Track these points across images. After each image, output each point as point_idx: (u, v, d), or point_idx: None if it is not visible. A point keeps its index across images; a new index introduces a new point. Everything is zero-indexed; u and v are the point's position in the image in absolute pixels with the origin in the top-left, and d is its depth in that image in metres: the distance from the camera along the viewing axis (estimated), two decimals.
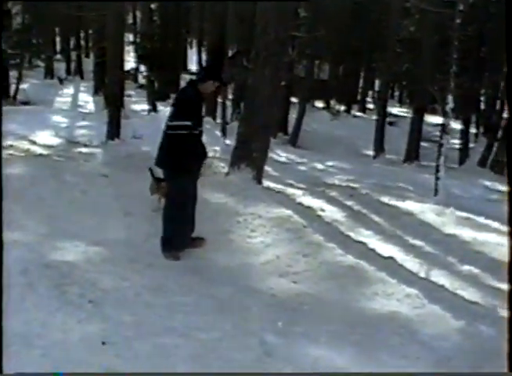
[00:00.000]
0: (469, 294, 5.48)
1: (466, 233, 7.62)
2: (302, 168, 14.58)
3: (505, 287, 5.66)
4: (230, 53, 21.05)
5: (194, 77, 6.56)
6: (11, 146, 11.72)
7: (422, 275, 5.92)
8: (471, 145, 21.19)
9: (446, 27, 18.14)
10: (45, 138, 14.47)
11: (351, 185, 11.12)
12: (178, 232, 6.05)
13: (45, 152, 11.41)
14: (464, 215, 8.71)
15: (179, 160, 5.88)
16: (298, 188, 9.83)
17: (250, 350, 4.04)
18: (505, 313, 4.81)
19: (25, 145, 12.46)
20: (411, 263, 6.23)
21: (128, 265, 5.21)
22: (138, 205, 7.19)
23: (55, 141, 14.33)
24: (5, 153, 10.42)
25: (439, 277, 5.86)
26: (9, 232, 5.44)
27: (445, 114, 10.86)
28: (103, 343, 3.81)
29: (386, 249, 6.63)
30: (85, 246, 5.52)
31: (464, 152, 19.85)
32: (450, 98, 10.73)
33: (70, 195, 7.29)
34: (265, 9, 8.85)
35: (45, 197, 7.04)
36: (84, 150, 12.86)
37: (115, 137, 14.42)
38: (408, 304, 5.08)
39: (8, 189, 6.65)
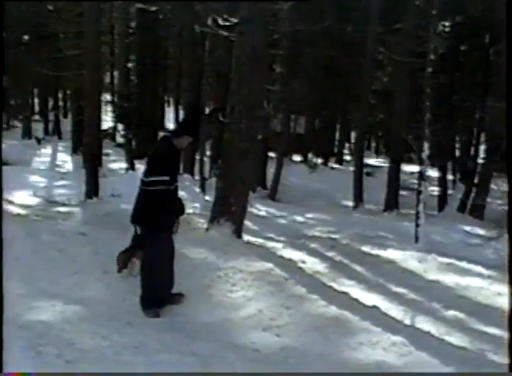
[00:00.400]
0: (456, 339, 5.41)
1: (449, 279, 7.62)
2: (282, 221, 14.54)
3: (492, 330, 5.65)
4: (207, 110, 21.26)
5: (167, 133, 6.55)
6: None
7: (407, 322, 5.86)
8: (449, 191, 21.34)
9: (418, 77, 18.56)
10: (23, 198, 14.35)
11: (332, 236, 11.12)
12: (157, 289, 5.96)
13: (22, 212, 11.30)
14: (446, 260, 8.73)
15: (155, 216, 5.81)
16: (278, 241, 9.79)
17: None
18: (494, 357, 4.76)
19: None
20: (395, 311, 6.18)
21: (107, 324, 5.06)
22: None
23: (34, 201, 14.22)
24: None
25: (424, 324, 5.80)
26: None
27: (421, 162, 10.95)
28: None
29: (369, 298, 6.58)
30: (63, 305, 5.38)
31: (443, 198, 19.97)
32: (426, 145, 10.85)
33: (48, 254, 7.16)
34: (240, 63, 8.96)
35: (22, 256, 6.90)
36: (62, 209, 12.80)
37: (93, 196, 14.41)
38: (394, 352, 4.98)
39: None
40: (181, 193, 6.37)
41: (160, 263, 5.94)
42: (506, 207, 12.30)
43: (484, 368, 4.68)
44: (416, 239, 10.77)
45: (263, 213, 15.48)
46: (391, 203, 18.27)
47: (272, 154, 23.55)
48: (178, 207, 6.15)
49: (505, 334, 5.35)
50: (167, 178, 5.80)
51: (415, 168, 23.94)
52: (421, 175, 10.89)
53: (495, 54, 18.72)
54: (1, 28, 14.35)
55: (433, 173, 19.74)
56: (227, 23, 12.28)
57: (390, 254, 9.03)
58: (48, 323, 4.83)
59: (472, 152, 22.77)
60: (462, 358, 4.91)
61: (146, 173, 5.93)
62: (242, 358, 4.68)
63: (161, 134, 30.19)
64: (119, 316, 5.45)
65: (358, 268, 8.08)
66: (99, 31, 15.57)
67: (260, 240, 9.57)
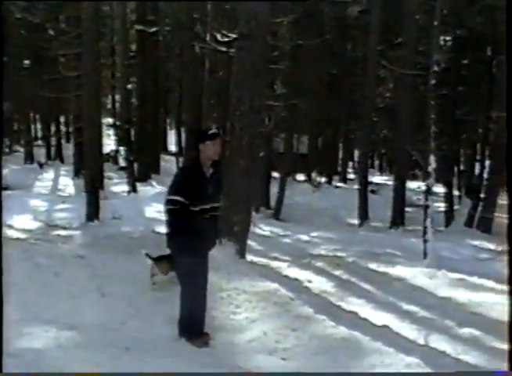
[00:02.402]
0: (473, 358, 5.13)
1: (462, 295, 7.38)
2: (286, 240, 14.27)
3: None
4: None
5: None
6: None
7: (421, 342, 5.58)
8: (455, 207, 21.07)
9: (421, 92, 18.40)
10: (23, 222, 14.15)
11: (338, 254, 10.88)
12: (200, 312, 5.58)
13: (21, 236, 11.08)
14: (457, 276, 8.52)
15: (173, 236, 5.51)
16: (283, 261, 9.53)
17: None
18: None
19: None
20: (408, 330, 5.90)
21: (103, 350, 4.77)
22: (116, 286, 6.80)
23: (34, 225, 14.02)
24: None
25: (439, 343, 5.52)
26: None
27: (427, 176, 10.71)
28: None
29: (379, 317, 6.32)
30: (57, 331, 5.08)
31: (449, 214, 19.68)
32: (432, 158, 10.62)
33: (43, 278, 6.88)
34: (239, 79, 8.79)
35: (16, 281, 6.62)
36: (62, 232, 12.61)
37: (94, 218, 14.22)
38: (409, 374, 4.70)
39: None
40: None
41: (194, 284, 5.53)
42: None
43: None
44: (425, 255, 10.53)
45: (267, 233, 15.20)
46: (397, 219, 17.98)
47: (275, 174, 23.32)
48: (201, 231, 5.52)
49: None
50: (178, 198, 5.39)
51: (419, 185, 23.83)
52: (428, 190, 10.65)
53: (497, 66, 18.54)
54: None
55: (438, 189, 19.48)
56: (226, 39, 12.15)
57: (398, 271, 8.79)
58: (40, 350, 4.54)
59: (477, 167, 22.58)
60: None
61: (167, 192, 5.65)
62: None
63: (164, 157, 30.18)
64: (116, 341, 5.14)
65: (366, 286, 7.82)
66: (98, 52, 15.42)
67: (264, 260, 9.31)
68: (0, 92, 15.39)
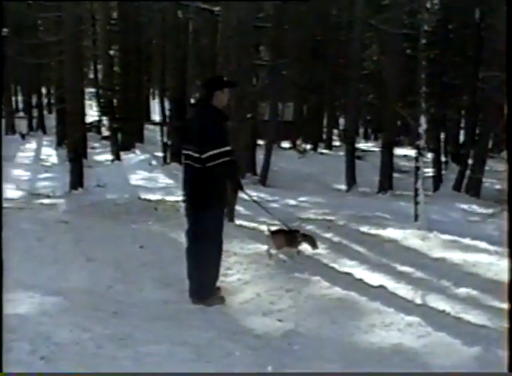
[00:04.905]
0: (474, 317, 4.96)
1: (456, 256, 7.24)
2: (274, 205, 14.02)
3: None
4: (193, 100, 20.86)
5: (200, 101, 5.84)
6: None
7: (418, 301, 5.41)
8: (442, 172, 20.96)
9: (408, 56, 18.13)
10: (5, 191, 13.83)
11: (327, 217, 10.69)
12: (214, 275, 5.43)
13: (4, 205, 10.79)
14: (449, 237, 8.41)
15: (219, 194, 5.28)
16: (272, 225, 9.32)
17: None
18: None
19: None
20: (404, 291, 5.73)
21: (89, 315, 4.54)
22: (102, 250, 6.58)
23: (16, 194, 13.72)
24: None
25: (437, 302, 5.35)
26: None
27: (418, 137, 10.48)
28: None
29: (374, 278, 6.16)
30: (41, 296, 4.85)
31: (437, 179, 19.55)
32: (423, 119, 10.39)
33: (26, 244, 6.63)
34: (226, 38, 8.57)
35: None
36: (45, 200, 12.36)
37: (78, 187, 13.99)
38: (411, 334, 4.51)
39: None
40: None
41: (218, 248, 5.40)
42: (502, 186, 11.97)
43: None
44: (416, 217, 10.36)
45: (254, 198, 14.92)
46: (385, 184, 17.80)
47: (260, 142, 23.06)
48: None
49: None
50: (229, 148, 5.10)
51: (405, 152, 23.73)
52: (419, 151, 10.42)
53: (486, 29, 18.24)
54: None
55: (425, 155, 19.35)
56: None
57: (390, 233, 8.67)
58: (23, 316, 4.29)
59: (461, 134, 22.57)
60: (486, 337, 4.44)
61: (201, 148, 5.08)
62: (242, 346, 4.16)
63: (147, 127, 29.71)
64: (104, 305, 4.92)
65: (358, 248, 7.67)
66: (78, 16, 14.99)
67: (253, 225, 9.10)
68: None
